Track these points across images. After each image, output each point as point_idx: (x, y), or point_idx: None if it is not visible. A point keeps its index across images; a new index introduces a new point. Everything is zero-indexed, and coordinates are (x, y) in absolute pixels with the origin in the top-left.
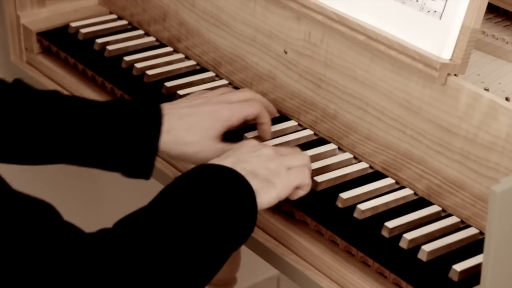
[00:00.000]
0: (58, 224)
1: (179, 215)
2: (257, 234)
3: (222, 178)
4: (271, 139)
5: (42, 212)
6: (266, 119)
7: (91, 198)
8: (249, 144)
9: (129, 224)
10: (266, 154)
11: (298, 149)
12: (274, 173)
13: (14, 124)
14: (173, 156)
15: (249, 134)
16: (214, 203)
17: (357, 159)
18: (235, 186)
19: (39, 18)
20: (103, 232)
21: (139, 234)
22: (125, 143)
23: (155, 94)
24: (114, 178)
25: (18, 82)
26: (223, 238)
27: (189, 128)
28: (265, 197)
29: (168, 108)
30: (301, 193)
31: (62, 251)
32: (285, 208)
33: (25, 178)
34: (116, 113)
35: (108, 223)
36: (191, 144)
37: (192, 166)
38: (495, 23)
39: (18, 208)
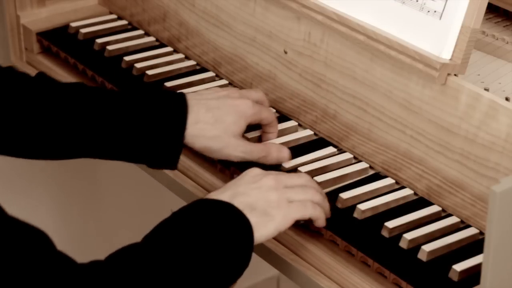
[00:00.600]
0: (50, 253)
1: (173, 251)
2: None
3: (218, 213)
4: (271, 139)
5: (36, 240)
6: (274, 129)
7: (91, 198)
8: (250, 173)
9: (121, 258)
10: (267, 185)
11: (304, 179)
12: (274, 205)
13: (40, 118)
14: (196, 149)
15: (249, 134)
16: (209, 239)
17: (357, 159)
18: (231, 222)
19: (39, 18)
20: (94, 264)
21: (130, 269)
22: (151, 134)
23: None
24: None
25: (41, 75)
26: (217, 274)
27: (215, 122)
28: (263, 231)
29: (194, 99)
30: (320, 222)
31: (53, 282)
32: None
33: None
34: (142, 104)
35: (108, 223)
36: (215, 138)
37: (214, 159)
38: (495, 23)
39: (11, 235)
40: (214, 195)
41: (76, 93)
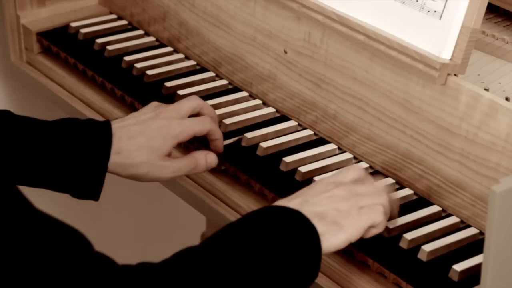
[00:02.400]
0: (90, 255)
1: (236, 257)
2: None
3: (285, 220)
4: (271, 139)
5: (74, 241)
6: (218, 135)
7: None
8: (322, 183)
9: (179, 261)
10: (338, 195)
11: (379, 184)
12: (344, 215)
13: None
14: (123, 176)
15: (249, 134)
16: (275, 247)
17: (357, 159)
18: (298, 229)
19: (39, 18)
20: (145, 267)
21: (188, 273)
22: (74, 163)
23: (155, 94)
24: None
25: None
26: (283, 283)
27: (138, 149)
28: (332, 240)
29: (117, 127)
30: (375, 232)
31: (96, 284)
32: None
33: None
34: (66, 134)
35: (108, 223)
36: (140, 165)
37: (141, 183)
38: (495, 23)
39: (50, 236)
40: (282, 202)
41: (2, 120)
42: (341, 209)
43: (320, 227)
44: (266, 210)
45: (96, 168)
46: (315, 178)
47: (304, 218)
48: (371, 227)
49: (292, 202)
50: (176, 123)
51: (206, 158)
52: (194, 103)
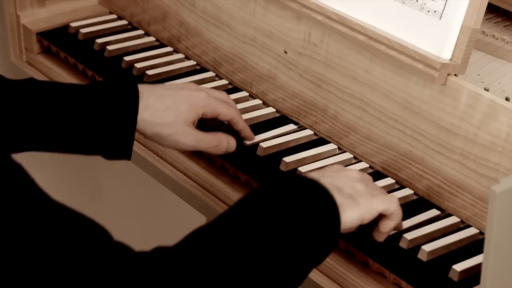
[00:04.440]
0: (110, 244)
1: (252, 229)
2: None
3: (304, 189)
4: (271, 139)
5: (94, 232)
6: (241, 125)
7: (91, 198)
8: (336, 166)
9: (195, 241)
10: (353, 176)
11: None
12: (359, 193)
13: None
14: (147, 135)
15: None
16: (294, 216)
17: (357, 159)
18: (317, 198)
19: (39, 18)
20: (161, 251)
21: (205, 252)
22: (103, 122)
23: None
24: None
25: None
26: (302, 254)
27: (166, 109)
28: (349, 214)
29: (146, 88)
30: (392, 224)
31: (116, 272)
32: None
33: None
34: (93, 95)
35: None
36: (166, 125)
37: (163, 147)
38: (495, 23)
39: (70, 227)
40: (300, 174)
41: (28, 88)
42: (357, 187)
43: (338, 198)
44: (285, 179)
45: (126, 125)
46: None
47: (323, 188)
48: (386, 217)
49: (310, 174)
50: (204, 95)
51: (228, 141)
52: (223, 95)
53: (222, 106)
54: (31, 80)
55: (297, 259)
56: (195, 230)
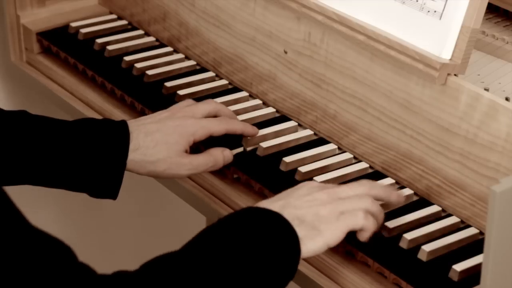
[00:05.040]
0: (73, 265)
1: (214, 259)
2: None
3: (265, 222)
4: (271, 139)
5: (59, 252)
6: (239, 129)
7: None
8: (305, 186)
9: (155, 268)
10: (320, 199)
11: (363, 188)
12: (323, 220)
13: None
14: (141, 174)
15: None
16: (254, 249)
17: (357, 159)
18: (278, 231)
19: (39, 18)
20: (121, 276)
21: (165, 280)
22: (92, 162)
23: (155, 94)
24: None
25: None
26: (261, 284)
27: (156, 145)
28: (310, 245)
29: (134, 125)
30: (366, 234)
31: None
32: None
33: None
34: (83, 133)
35: (108, 223)
36: (158, 161)
37: (161, 181)
38: (495, 23)
39: (34, 246)
40: (265, 203)
41: (19, 120)
42: (320, 214)
43: (300, 231)
44: (247, 211)
45: (115, 166)
46: (315, 178)
47: (284, 221)
48: (361, 230)
49: (274, 204)
50: (192, 121)
51: (224, 155)
52: (210, 106)
53: (212, 125)
54: (23, 113)
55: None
56: (156, 257)
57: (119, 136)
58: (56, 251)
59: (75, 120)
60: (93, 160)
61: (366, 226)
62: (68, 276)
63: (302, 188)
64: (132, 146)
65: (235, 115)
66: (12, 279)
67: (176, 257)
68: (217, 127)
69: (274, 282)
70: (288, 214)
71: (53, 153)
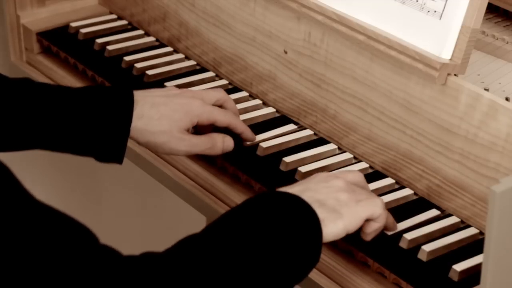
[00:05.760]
0: (97, 247)
1: (237, 244)
2: None
3: (285, 205)
4: (271, 139)
5: (80, 235)
6: (240, 129)
7: (91, 198)
8: (321, 175)
9: (182, 250)
10: (337, 185)
11: (373, 194)
12: (343, 204)
13: None
14: (140, 143)
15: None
16: (276, 232)
17: (357, 159)
18: (299, 214)
19: (39, 18)
20: (149, 256)
21: (191, 262)
22: (97, 126)
23: None
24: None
25: None
26: (283, 270)
27: (160, 117)
28: (332, 227)
29: (141, 95)
30: (376, 225)
31: (104, 275)
32: None
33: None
34: (89, 98)
35: (108, 223)
36: (159, 133)
37: (157, 155)
38: (495, 23)
39: (56, 229)
40: (283, 189)
41: (24, 87)
42: (340, 198)
43: (320, 213)
44: (267, 196)
45: (119, 130)
46: None
47: (304, 203)
48: (371, 220)
49: (293, 189)
50: (199, 103)
51: (224, 141)
52: (220, 94)
53: (217, 113)
54: (27, 80)
55: (280, 274)
56: (184, 238)
57: (124, 102)
58: (78, 234)
59: (83, 86)
60: (97, 124)
61: (382, 216)
62: (93, 258)
63: (319, 176)
64: (136, 113)
65: (238, 112)
66: (36, 264)
67: (202, 239)
68: (222, 117)
69: (300, 266)
70: (308, 198)
71: (58, 116)
